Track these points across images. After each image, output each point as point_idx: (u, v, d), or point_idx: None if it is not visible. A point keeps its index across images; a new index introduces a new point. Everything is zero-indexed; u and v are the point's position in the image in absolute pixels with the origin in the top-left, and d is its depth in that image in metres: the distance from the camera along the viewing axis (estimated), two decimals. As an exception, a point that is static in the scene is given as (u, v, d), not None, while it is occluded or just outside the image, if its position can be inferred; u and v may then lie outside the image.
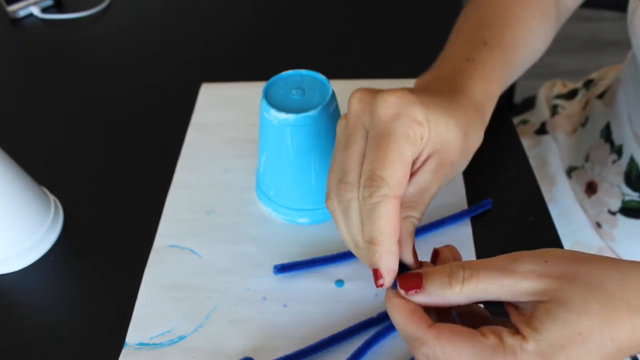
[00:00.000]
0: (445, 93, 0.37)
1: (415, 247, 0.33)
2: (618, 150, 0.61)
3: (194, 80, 0.62)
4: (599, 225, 0.64)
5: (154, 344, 0.41)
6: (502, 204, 0.48)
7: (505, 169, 0.51)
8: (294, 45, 0.67)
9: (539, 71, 1.12)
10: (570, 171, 0.69)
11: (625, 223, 0.61)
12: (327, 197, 0.35)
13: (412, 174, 0.34)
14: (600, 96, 0.70)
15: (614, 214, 0.62)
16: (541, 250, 0.30)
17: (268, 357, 0.39)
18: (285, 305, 0.42)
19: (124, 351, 0.40)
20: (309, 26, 0.70)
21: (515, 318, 0.29)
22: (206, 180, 0.52)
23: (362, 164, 0.32)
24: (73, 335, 0.42)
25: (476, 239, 0.45)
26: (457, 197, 0.48)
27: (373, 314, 0.41)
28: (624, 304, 0.27)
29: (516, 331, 0.28)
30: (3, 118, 0.61)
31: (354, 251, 0.34)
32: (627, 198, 0.60)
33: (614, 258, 0.30)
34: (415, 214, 0.33)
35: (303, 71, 0.44)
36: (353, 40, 0.67)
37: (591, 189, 0.65)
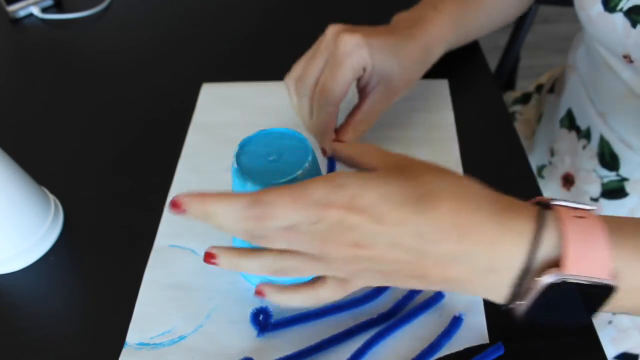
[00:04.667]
0: (401, 32, 0.48)
1: None
2: (586, 135, 0.61)
3: (195, 80, 0.62)
4: None
5: (154, 344, 0.41)
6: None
7: (505, 169, 0.51)
8: (293, 46, 0.67)
9: (539, 70, 1.13)
10: (540, 170, 0.69)
11: (609, 206, 0.60)
12: (289, 77, 0.48)
13: (366, 96, 0.47)
14: (551, 90, 0.70)
15: (596, 200, 0.62)
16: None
17: (268, 357, 0.39)
18: (285, 306, 0.42)
19: (124, 351, 0.40)
20: (308, 26, 0.70)
21: None
22: (207, 180, 0.52)
23: (318, 75, 0.45)
24: (73, 335, 0.42)
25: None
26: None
27: (373, 314, 0.41)
28: (453, 192, 0.30)
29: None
30: (3, 118, 0.61)
31: (300, 118, 0.48)
32: (605, 180, 0.60)
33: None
34: (363, 127, 0.47)
35: (280, 129, 0.40)
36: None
37: (568, 181, 0.65)
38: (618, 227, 0.31)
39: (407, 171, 0.31)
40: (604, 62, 0.55)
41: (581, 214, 0.30)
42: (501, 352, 0.38)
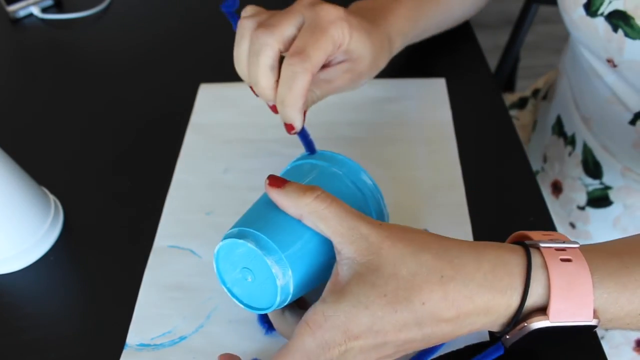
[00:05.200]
0: (369, 20, 0.46)
1: None
2: (571, 141, 0.61)
3: (193, 81, 0.62)
4: (573, 226, 0.64)
5: (155, 345, 0.41)
6: (502, 203, 0.48)
7: (504, 168, 0.51)
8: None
9: (539, 70, 1.13)
10: None
11: (596, 215, 0.61)
12: (245, 16, 0.41)
13: (327, 66, 0.44)
14: (545, 97, 0.70)
15: (582, 208, 0.62)
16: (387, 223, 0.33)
17: (269, 357, 0.39)
18: (285, 305, 0.42)
19: (124, 352, 0.40)
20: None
21: (328, 286, 0.32)
22: (205, 180, 0.52)
23: (292, 33, 0.40)
24: (73, 335, 0.42)
25: (476, 239, 0.45)
26: (457, 196, 0.48)
27: (373, 313, 0.41)
28: (436, 273, 0.30)
29: (322, 300, 0.32)
30: (3, 118, 0.61)
31: (240, 71, 0.42)
32: (590, 188, 0.60)
33: (440, 235, 0.33)
34: (318, 92, 0.44)
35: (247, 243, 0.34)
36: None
37: (557, 188, 0.65)
38: (602, 264, 0.32)
39: (381, 272, 0.31)
40: (589, 66, 0.55)
41: (567, 256, 0.32)
42: (501, 352, 0.38)
